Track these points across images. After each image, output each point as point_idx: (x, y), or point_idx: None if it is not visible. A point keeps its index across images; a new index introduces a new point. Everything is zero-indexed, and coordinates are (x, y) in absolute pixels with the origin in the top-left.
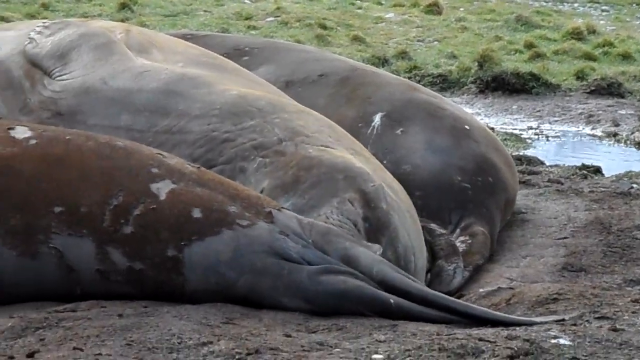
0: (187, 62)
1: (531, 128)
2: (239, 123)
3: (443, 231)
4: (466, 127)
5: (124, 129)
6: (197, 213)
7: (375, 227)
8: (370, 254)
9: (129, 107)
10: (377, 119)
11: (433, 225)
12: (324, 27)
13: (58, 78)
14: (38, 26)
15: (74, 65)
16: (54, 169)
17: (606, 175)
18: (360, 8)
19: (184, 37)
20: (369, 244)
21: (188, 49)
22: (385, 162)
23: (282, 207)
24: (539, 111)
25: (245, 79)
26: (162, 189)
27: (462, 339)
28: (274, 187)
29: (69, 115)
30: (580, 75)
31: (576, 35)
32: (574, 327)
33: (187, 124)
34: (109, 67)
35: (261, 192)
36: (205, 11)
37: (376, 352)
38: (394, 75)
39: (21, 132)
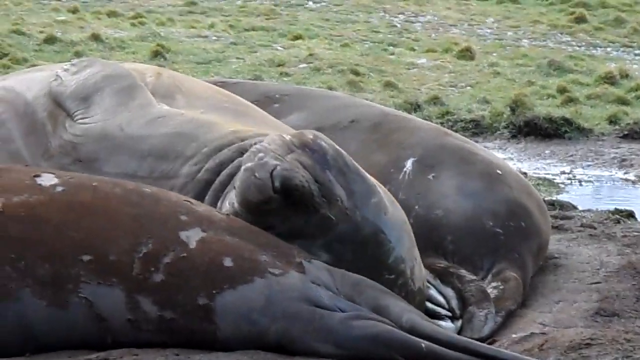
0: (208, 107)
1: (564, 173)
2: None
3: (473, 277)
4: (498, 171)
5: (130, 176)
6: (228, 262)
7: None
8: (400, 304)
9: (136, 154)
10: (409, 164)
11: (463, 272)
12: (357, 73)
13: (80, 121)
14: (66, 64)
15: (96, 109)
16: (82, 217)
17: (639, 220)
18: (392, 54)
19: (215, 84)
20: (398, 297)
21: (215, 95)
22: (417, 207)
23: (313, 258)
24: (571, 156)
25: (266, 127)
26: (192, 237)
27: None
28: None
29: (87, 162)
30: (613, 120)
31: (609, 79)
32: None
33: (181, 166)
34: (127, 113)
35: None
36: (237, 58)
37: None
38: (426, 121)
39: (47, 180)
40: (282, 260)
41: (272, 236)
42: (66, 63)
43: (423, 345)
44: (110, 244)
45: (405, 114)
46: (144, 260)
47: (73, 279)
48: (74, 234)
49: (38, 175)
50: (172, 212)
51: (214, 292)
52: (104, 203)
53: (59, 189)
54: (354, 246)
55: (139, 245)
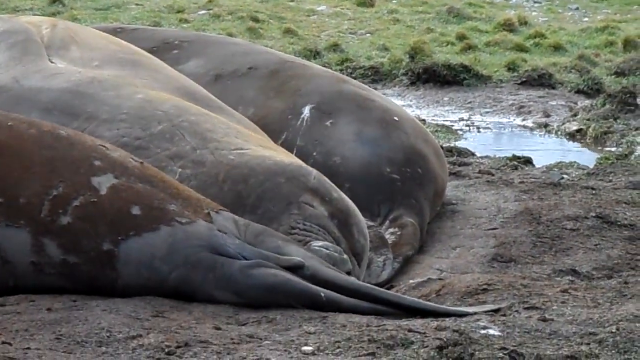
0: (103, 59)
1: (462, 119)
2: (147, 128)
3: (371, 223)
4: (395, 118)
5: None
6: (136, 210)
7: (344, 220)
8: (301, 251)
9: (38, 105)
10: (307, 111)
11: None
12: (256, 20)
13: None
14: None
15: None
16: None
17: (537, 166)
18: (292, 1)
19: (115, 30)
20: (299, 244)
21: (108, 45)
22: (315, 153)
23: (221, 209)
24: (470, 103)
25: (162, 76)
26: (103, 182)
27: (391, 330)
28: None
29: None
30: (511, 67)
31: (508, 26)
32: (503, 318)
33: (97, 127)
34: (22, 67)
35: None
36: (137, 4)
37: (306, 344)
38: (323, 68)
39: None
40: (190, 210)
41: (184, 186)
42: None
43: (322, 294)
44: (21, 186)
45: (303, 61)
46: (53, 203)
47: None
48: None
49: None
50: (86, 157)
51: (119, 238)
52: (19, 144)
53: None
54: None
55: (50, 188)
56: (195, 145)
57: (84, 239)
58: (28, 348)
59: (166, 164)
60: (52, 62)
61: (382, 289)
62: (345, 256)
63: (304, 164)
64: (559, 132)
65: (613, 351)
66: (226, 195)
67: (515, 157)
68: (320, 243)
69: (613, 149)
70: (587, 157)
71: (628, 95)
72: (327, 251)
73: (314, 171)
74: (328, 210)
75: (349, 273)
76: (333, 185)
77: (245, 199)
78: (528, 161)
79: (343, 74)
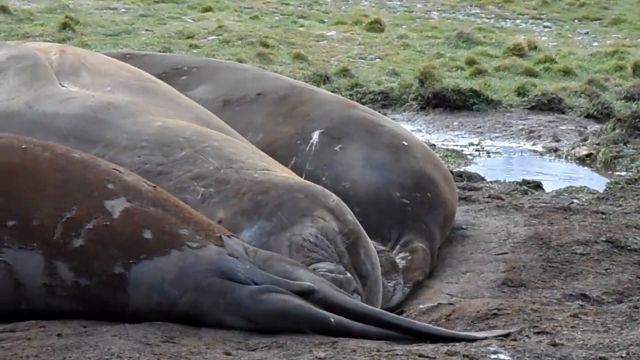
0: (115, 85)
1: (472, 144)
2: (170, 154)
3: (383, 248)
4: (404, 143)
5: None
6: (148, 234)
7: (352, 240)
8: (310, 275)
9: (54, 132)
10: (316, 136)
11: (372, 242)
12: (266, 46)
13: None
14: None
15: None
16: (9, 181)
17: (547, 191)
18: (302, 26)
19: (124, 56)
20: (308, 268)
21: (118, 71)
22: (324, 179)
23: (232, 235)
24: (480, 127)
25: (174, 103)
26: (117, 206)
27: (401, 355)
28: (233, 214)
29: None
30: (521, 92)
31: (517, 51)
32: (513, 342)
33: (117, 155)
34: (33, 92)
35: (219, 222)
36: (147, 30)
37: None
38: (332, 93)
39: None
40: (201, 234)
41: (195, 212)
42: None
43: (332, 319)
44: (35, 208)
45: (312, 87)
46: (66, 226)
47: None
48: (0, 199)
49: None
50: (99, 180)
51: (130, 262)
52: (33, 166)
53: None
54: None
55: (63, 210)
56: (219, 166)
57: (96, 261)
58: None
59: (188, 185)
60: (63, 87)
61: (392, 314)
62: (349, 275)
63: (325, 189)
64: (569, 157)
65: None
66: (244, 204)
67: (525, 182)
68: (325, 267)
69: (623, 174)
70: (597, 182)
71: (638, 119)
72: (332, 275)
73: (335, 196)
74: (339, 227)
75: (355, 292)
76: (350, 212)
77: (262, 207)
78: (538, 186)
79: (353, 99)
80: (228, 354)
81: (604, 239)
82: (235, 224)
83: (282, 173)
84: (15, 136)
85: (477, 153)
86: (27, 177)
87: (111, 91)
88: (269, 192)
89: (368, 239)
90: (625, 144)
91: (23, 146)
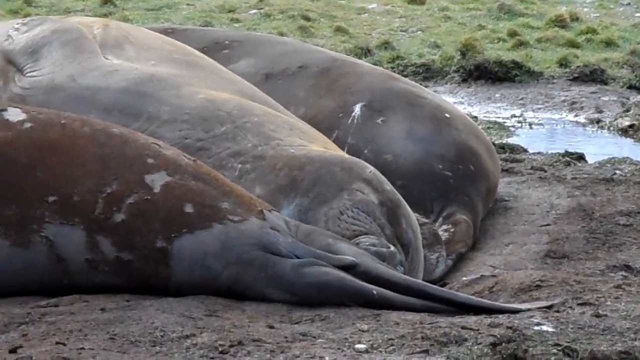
0: (159, 59)
1: (514, 116)
2: (210, 129)
3: (426, 220)
4: (446, 115)
5: None
6: (189, 208)
7: (392, 210)
8: (353, 248)
9: (97, 106)
10: (357, 109)
11: (415, 214)
12: (307, 19)
13: (29, 75)
14: (17, 23)
15: (43, 62)
16: (49, 156)
17: (589, 162)
18: None
19: (165, 31)
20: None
21: (163, 45)
22: (366, 151)
23: (273, 209)
24: (522, 99)
25: (218, 77)
26: (157, 180)
27: (445, 327)
28: (271, 191)
29: None
30: (563, 63)
31: (559, 22)
32: (556, 314)
33: (158, 128)
34: (77, 64)
35: None
36: (188, 4)
37: (359, 342)
38: (373, 66)
39: (14, 115)
40: (243, 208)
41: (236, 185)
42: (18, 21)
43: (375, 292)
44: (75, 184)
45: (353, 59)
46: (107, 200)
47: (37, 219)
48: (40, 175)
49: (4, 110)
50: (139, 155)
51: (172, 236)
52: (72, 142)
53: (27, 125)
54: None
55: (103, 186)
56: (257, 143)
57: (137, 236)
58: (82, 348)
59: (227, 162)
60: (107, 60)
61: (435, 286)
62: (393, 248)
63: (361, 160)
64: (612, 128)
65: None
66: (281, 180)
67: (567, 153)
68: (368, 241)
69: None
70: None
71: None
72: (375, 248)
73: (372, 167)
74: (378, 199)
75: (400, 264)
76: (387, 181)
77: (299, 182)
78: (580, 157)
79: (394, 71)
80: (271, 327)
81: None
82: (273, 201)
83: (319, 147)
84: (54, 111)
85: (520, 125)
86: (67, 152)
87: (155, 64)
88: (305, 167)
89: (407, 207)
90: None
91: (62, 121)
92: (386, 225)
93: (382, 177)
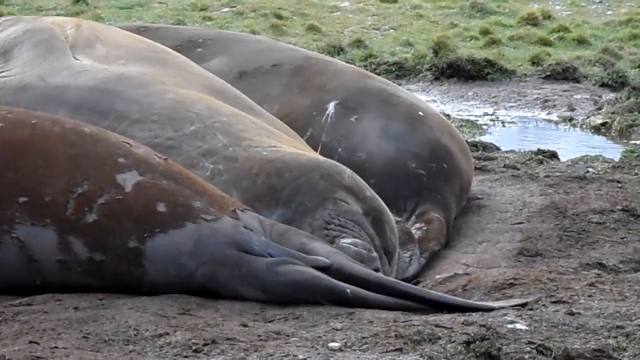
0: (129, 57)
1: (487, 114)
2: (179, 129)
3: (398, 219)
4: (420, 113)
5: None
6: (161, 207)
7: (376, 219)
8: (326, 247)
9: (66, 104)
10: (331, 107)
11: None
12: (279, 17)
13: None
14: None
15: (14, 62)
16: (20, 157)
17: (562, 160)
18: None
19: (138, 29)
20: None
21: (134, 43)
22: (340, 149)
23: (246, 208)
24: (494, 97)
25: (189, 74)
26: (128, 180)
27: (418, 325)
28: (249, 200)
29: None
30: (535, 61)
31: (531, 21)
32: (530, 312)
33: (128, 128)
34: (47, 65)
35: None
36: (160, 3)
37: (333, 340)
38: (347, 64)
39: None
40: (215, 207)
41: (208, 184)
42: None
43: (348, 290)
44: (46, 184)
45: (327, 57)
46: (78, 201)
47: (8, 220)
48: (11, 175)
49: None
50: (110, 154)
51: (145, 235)
52: (43, 141)
53: None
54: None
55: (74, 186)
56: (228, 143)
57: (110, 236)
58: (55, 347)
59: (198, 161)
60: (77, 60)
61: (408, 284)
62: (374, 254)
63: (337, 163)
64: (584, 126)
65: None
66: (259, 188)
67: (540, 151)
68: (350, 240)
69: (638, 142)
70: (612, 151)
71: None
72: (356, 248)
73: (348, 170)
74: (362, 208)
75: (377, 271)
76: (365, 184)
77: (279, 192)
78: (553, 155)
79: (367, 69)
80: (245, 325)
81: (620, 208)
82: (253, 211)
83: (290, 147)
84: (24, 111)
85: (492, 123)
86: (37, 152)
87: (125, 63)
88: (282, 174)
89: (388, 211)
90: None
91: (33, 121)
92: (374, 236)
93: (360, 180)
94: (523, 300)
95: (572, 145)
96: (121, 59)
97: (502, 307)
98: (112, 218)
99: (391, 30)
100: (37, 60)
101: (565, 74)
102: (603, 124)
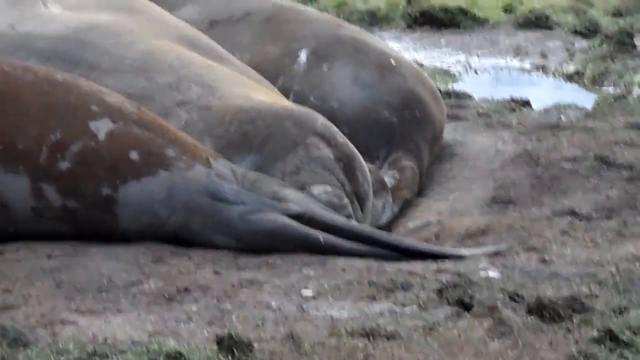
0: (99, 5)
1: (460, 62)
2: (152, 79)
3: (371, 167)
4: (392, 61)
5: None
6: (134, 155)
7: (348, 164)
8: (299, 194)
9: (37, 53)
10: (303, 55)
11: None
12: None
13: None
14: None
15: None
16: None
17: (535, 108)
18: None
19: None
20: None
21: None
22: (311, 98)
23: (219, 156)
24: (467, 45)
25: (160, 23)
26: (101, 128)
27: (391, 273)
28: (221, 147)
29: None
30: (508, 9)
31: None
32: (502, 260)
33: (100, 77)
34: (16, 13)
35: None
36: None
37: (306, 288)
38: (319, 12)
39: None
40: (188, 155)
41: (181, 132)
42: None
43: (321, 237)
44: (19, 132)
45: (299, 6)
46: (52, 148)
47: None
48: None
49: None
50: (82, 102)
51: (117, 183)
52: (15, 90)
53: None
54: None
55: (47, 134)
56: (201, 93)
57: (83, 183)
58: (29, 295)
59: (172, 111)
60: (47, 8)
61: (380, 231)
62: (345, 201)
63: (311, 110)
64: (557, 74)
65: (613, 291)
66: (232, 135)
67: (513, 99)
68: (321, 188)
69: (611, 90)
70: (585, 98)
71: (625, 35)
72: (327, 197)
73: (321, 117)
74: (334, 154)
75: (349, 218)
76: (338, 131)
77: (251, 139)
78: (526, 103)
79: (339, 18)
80: (217, 273)
81: (592, 155)
82: (225, 157)
83: (263, 96)
84: None
85: (465, 71)
86: (10, 100)
87: (95, 12)
88: (255, 121)
89: (361, 158)
90: (612, 60)
91: (5, 69)
92: (345, 182)
93: (334, 127)
94: (496, 248)
95: (545, 93)
96: (91, 7)
97: (475, 255)
98: (85, 165)
99: None
100: (6, 9)
101: (537, 22)
102: (575, 72)
